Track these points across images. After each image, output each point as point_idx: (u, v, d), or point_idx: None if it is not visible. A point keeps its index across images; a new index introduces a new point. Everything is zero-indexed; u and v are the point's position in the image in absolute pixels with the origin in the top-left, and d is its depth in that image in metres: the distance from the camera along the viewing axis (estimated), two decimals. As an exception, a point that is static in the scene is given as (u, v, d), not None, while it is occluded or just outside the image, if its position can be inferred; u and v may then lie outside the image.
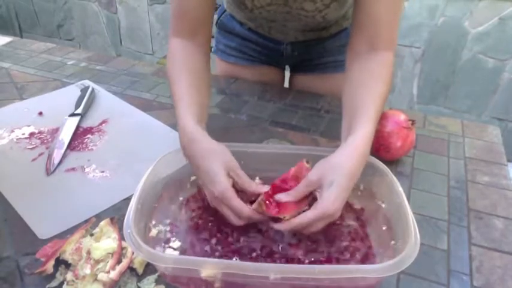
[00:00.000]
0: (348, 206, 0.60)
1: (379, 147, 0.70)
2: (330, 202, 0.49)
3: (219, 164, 0.53)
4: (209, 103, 0.67)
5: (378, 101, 0.59)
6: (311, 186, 0.51)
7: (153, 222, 0.56)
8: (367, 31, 0.64)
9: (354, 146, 0.53)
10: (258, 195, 0.52)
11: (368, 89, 0.60)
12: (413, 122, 0.69)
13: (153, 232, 0.54)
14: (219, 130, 0.59)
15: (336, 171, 0.50)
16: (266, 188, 0.53)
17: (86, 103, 0.86)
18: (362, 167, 0.53)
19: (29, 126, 0.80)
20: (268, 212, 0.51)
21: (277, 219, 0.51)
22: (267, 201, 0.51)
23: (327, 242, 0.54)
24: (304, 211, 0.51)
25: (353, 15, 0.68)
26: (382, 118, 0.70)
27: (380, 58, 0.63)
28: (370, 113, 0.57)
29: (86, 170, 0.69)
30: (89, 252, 0.50)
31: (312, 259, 0.52)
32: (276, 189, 0.53)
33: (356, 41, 0.66)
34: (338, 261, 0.52)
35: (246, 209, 0.51)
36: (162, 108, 0.88)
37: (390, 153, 0.70)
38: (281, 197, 0.52)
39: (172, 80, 0.65)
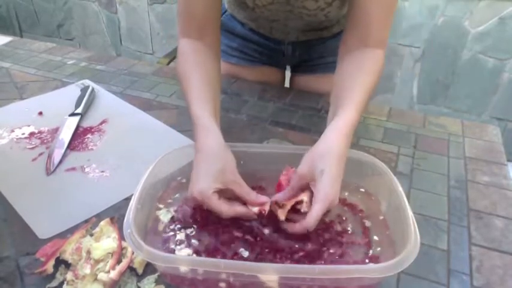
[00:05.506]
0: (349, 206, 0.60)
1: None
2: (328, 189, 0.49)
3: (212, 169, 0.53)
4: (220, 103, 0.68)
5: (364, 91, 0.59)
6: (303, 179, 0.52)
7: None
8: (360, 29, 0.66)
9: (337, 129, 0.54)
10: (259, 204, 0.53)
11: (355, 80, 0.61)
12: None
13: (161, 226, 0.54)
14: (219, 130, 0.60)
15: (324, 159, 0.51)
16: (264, 198, 0.53)
17: (86, 103, 0.86)
18: (348, 148, 0.54)
19: (29, 126, 0.80)
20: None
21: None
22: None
23: (328, 241, 0.54)
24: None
25: (347, 12, 0.69)
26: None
27: (371, 55, 0.65)
28: (354, 100, 0.58)
29: (86, 169, 0.69)
30: (89, 252, 0.50)
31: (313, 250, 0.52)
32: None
33: (349, 37, 0.68)
34: (338, 261, 0.52)
35: (225, 208, 0.52)
36: (162, 108, 0.88)
37: None
38: (279, 197, 0.53)
39: (184, 77, 0.66)
